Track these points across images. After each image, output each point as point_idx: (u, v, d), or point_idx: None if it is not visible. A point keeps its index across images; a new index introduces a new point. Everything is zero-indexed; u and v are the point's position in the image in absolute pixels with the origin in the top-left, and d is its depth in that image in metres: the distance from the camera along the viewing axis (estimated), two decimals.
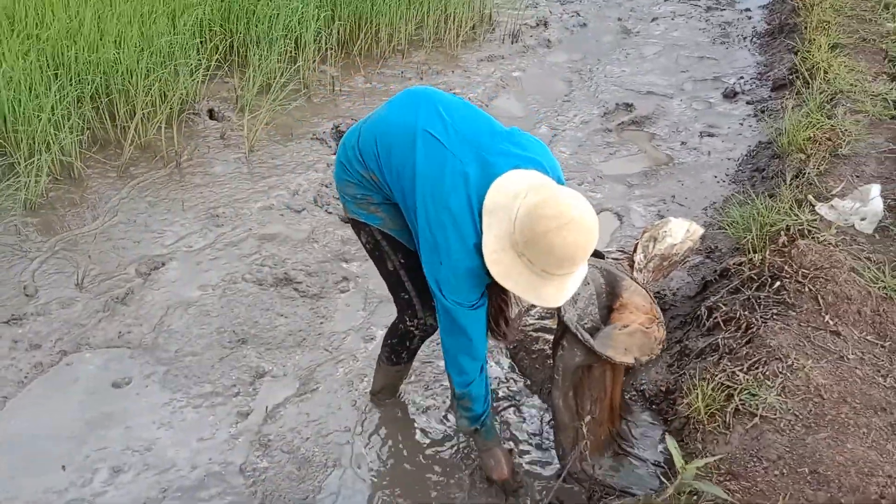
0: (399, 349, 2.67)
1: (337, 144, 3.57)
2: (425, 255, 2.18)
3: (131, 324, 3.18)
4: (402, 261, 2.46)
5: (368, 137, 2.30)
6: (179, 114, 4.44)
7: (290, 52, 5.12)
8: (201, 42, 4.77)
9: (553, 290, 2.02)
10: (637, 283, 2.69)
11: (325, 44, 5.32)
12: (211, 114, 4.70)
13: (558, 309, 2.42)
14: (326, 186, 4.11)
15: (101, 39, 4.19)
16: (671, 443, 2.23)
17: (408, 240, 2.41)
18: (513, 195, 2.02)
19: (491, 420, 2.47)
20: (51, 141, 3.81)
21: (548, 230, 1.91)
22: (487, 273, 2.07)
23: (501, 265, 2.01)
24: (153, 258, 3.54)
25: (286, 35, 5.04)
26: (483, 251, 2.03)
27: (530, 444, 2.77)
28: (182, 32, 4.55)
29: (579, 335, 2.42)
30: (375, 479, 2.63)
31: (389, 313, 2.62)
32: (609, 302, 2.64)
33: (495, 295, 2.29)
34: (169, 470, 2.61)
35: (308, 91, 5.03)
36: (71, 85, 3.99)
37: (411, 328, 2.58)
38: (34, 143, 3.77)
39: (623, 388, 2.74)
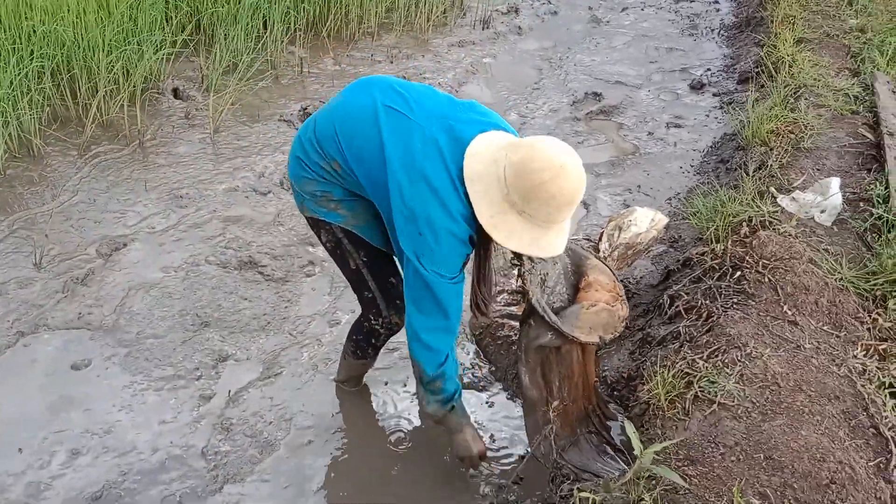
0: (364, 346, 2.66)
1: None
2: (402, 228, 2.12)
3: (91, 305, 3.13)
4: (365, 259, 2.42)
5: (325, 125, 2.26)
6: (143, 92, 4.36)
7: (258, 31, 5.04)
8: (166, 19, 4.68)
9: (554, 236, 2.07)
10: (601, 261, 2.71)
11: (294, 24, 5.25)
12: (175, 93, 4.61)
13: (526, 290, 2.45)
14: None
15: (56, 12, 4.07)
16: (629, 428, 2.26)
17: (371, 236, 2.38)
18: (491, 161, 2.03)
19: (460, 398, 2.43)
20: (9, 115, 3.71)
21: (542, 182, 1.96)
22: (469, 241, 2.09)
23: (502, 228, 2.03)
24: (114, 239, 3.48)
25: (254, 14, 4.96)
26: (479, 220, 2.03)
27: (495, 429, 2.79)
28: (146, 9, 4.45)
29: (546, 316, 2.44)
30: (339, 464, 2.63)
31: (355, 299, 2.61)
32: (576, 281, 2.66)
33: (477, 267, 2.27)
34: (129, 453, 2.58)
35: (275, 72, 4.97)
36: (31, 59, 3.89)
37: (376, 326, 2.55)
38: None
39: (597, 366, 2.75)
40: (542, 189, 1.97)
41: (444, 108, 2.18)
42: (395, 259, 2.44)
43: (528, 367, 2.57)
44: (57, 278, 3.22)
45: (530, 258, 2.45)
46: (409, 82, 2.30)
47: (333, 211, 2.35)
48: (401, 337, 2.68)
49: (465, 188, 2.06)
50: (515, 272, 2.65)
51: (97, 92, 4.10)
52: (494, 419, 2.83)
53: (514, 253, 2.32)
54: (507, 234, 2.03)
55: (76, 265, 3.31)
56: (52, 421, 2.65)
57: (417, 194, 2.07)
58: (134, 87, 4.24)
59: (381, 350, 2.72)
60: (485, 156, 2.05)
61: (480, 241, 2.18)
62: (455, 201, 2.07)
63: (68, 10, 4.09)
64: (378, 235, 2.40)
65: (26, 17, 3.97)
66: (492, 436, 2.76)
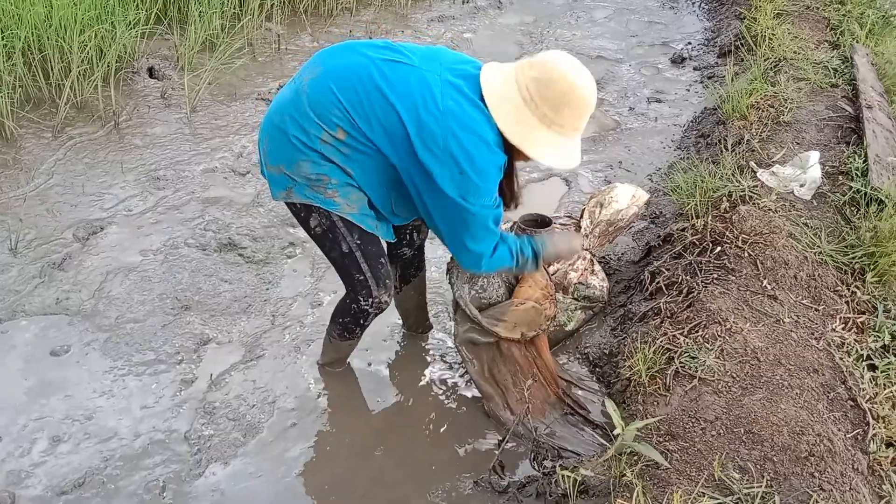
0: (352, 327, 2.65)
1: None
2: (439, 172, 2.10)
3: (69, 290, 3.09)
4: (359, 241, 2.39)
5: (320, 93, 2.18)
6: (117, 72, 4.28)
7: (234, 8, 4.96)
8: None
9: (576, 148, 2.20)
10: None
11: (270, 0, 5.16)
12: (151, 72, 4.54)
13: (452, 287, 2.62)
14: None
15: None
16: (610, 405, 2.28)
17: (363, 221, 2.35)
18: (508, 86, 2.11)
19: (536, 243, 2.47)
20: None
21: (572, 87, 2.08)
22: (503, 167, 2.18)
23: (537, 145, 2.13)
24: (91, 222, 3.44)
25: None
26: (512, 140, 2.11)
27: (476, 414, 2.80)
28: None
29: (468, 311, 2.59)
30: (323, 446, 2.63)
31: (337, 279, 2.59)
32: (513, 277, 2.72)
33: (508, 191, 2.32)
34: (111, 439, 2.57)
35: (252, 49, 4.90)
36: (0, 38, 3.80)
37: (365, 307, 2.53)
38: None
39: (550, 354, 2.81)
40: (572, 95, 2.08)
41: (433, 52, 2.23)
42: (380, 236, 2.44)
43: (470, 364, 2.70)
44: (34, 263, 3.18)
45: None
46: (385, 40, 2.31)
47: (330, 199, 2.29)
48: (383, 317, 2.69)
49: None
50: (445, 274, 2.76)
51: (70, 72, 4.02)
52: (477, 400, 2.84)
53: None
54: (541, 151, 2.13)
55: (53, 250, 3.27)
56: (31, 408, 2.63)
57: (451, 135, 2.08)
58: (108, 66, 4.15)
59: (365, 333, 2.72)
60: (499, 83, 2.12)
61: (509, 169, 2.25)
62: (489, 131, 2.12)
63: None
64: (370, 220, 2.37)
65: None
66: (478, 421, 2.76)
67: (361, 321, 2.62)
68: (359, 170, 2.25)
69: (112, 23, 4.25)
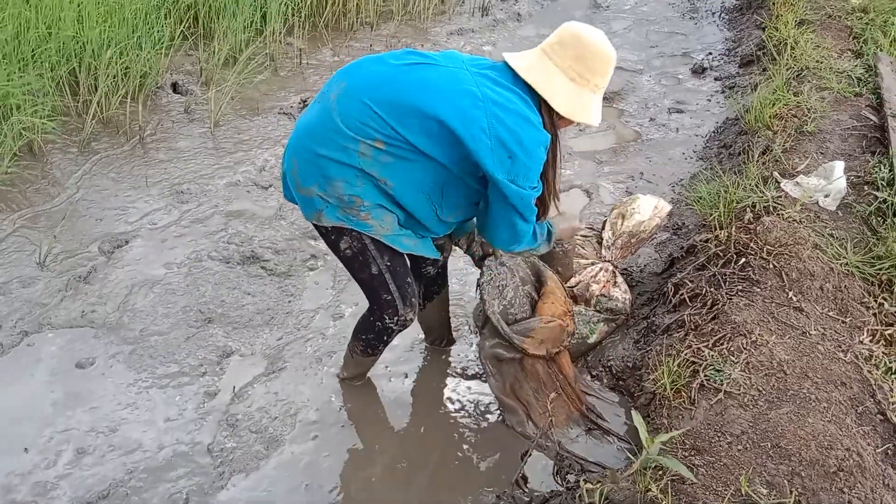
0: (376, 343, 2.65)
1: None
2: (488, 160, 2.14)
3: (95, 303, 3.13)
4: (389, 263, 2.39)
5: (352, 107, 2.18)
6: (143, 88, 4.33)
7: (256, 23, 5.01)
8: (165, 15, 4.65)
9: (600, 105, 2.33)
10: (557, 273, 2.89)
11: (292, 16, 5.22)
12: (175, 87, 4.60)
13: (483, 302, 2.64)
14: None
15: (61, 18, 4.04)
16: (637, 418, 2.25)
17: (397, 242, 2.35)
18: (541, 67, 2.22)
19: (548, 225, 2.60)
20: (14, 117, 3.70)
21: (602, 49, 2.23)
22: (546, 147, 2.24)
23: (591, 112, 2.27)
24: (117, 236, 3.48)
25: (252, 6, 4.93)
26: (563, 112, 2.23)
27: (499, 426, 2.79)
28: (146, 4, 4.42)
29: (500, 327, 2.61)
30: (345, 459, 2.63)
31: (358, 291, 2.60)
32: (535, 290, 2.77)
33: (550, 181, 2.37)
34: (135, 451, 2.58)
35: (274, 64, 4.94)
36: (33, 61, 3.85)
37: (390, 325, 2.53)
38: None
39: (573, 370, 2.82)
40: (604, 56, 2.23)
41: (451, 53, 2.32)
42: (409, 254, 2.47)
43: (493, 379, 2.69)
44: (60, 277, 3.22)
45: (500, 262, 2.67)
46: (405, 49, 2.44)
47: (363, 221, 2.28)
48: (405, 331, 2.69)
49: (527, 95, 2.21)
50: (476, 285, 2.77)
51: (97, 88, 4.08)
52: (499, 413, 2.83)
53: (479, 259, 2.65)
54: (594, 113, 2.28)
55: (79, 263, 3.31)
56: (57, 420, 2.66)
57: (496, 120, 2.13)
58: (134, 82, 4.21)
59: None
60: (536, 67, 2.22)
61: (552, 154, 2.30)
62: (530, 113, 2.19)
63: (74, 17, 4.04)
64: (406, 239, 2.37)
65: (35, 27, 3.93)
66: (501, 434, 2.75)
67: (385, 338, 2.62)
68: (399, 179, 2.23)
69: (139, 40, 4.31)
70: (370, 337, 2.63)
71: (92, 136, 4.03)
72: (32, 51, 3.90)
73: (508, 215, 2.28)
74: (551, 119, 2.26)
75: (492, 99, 2.14)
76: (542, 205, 2.40)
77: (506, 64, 2.26)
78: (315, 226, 2.39)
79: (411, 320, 2.55)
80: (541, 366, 2.67)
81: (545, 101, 2.23)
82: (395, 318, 2.51)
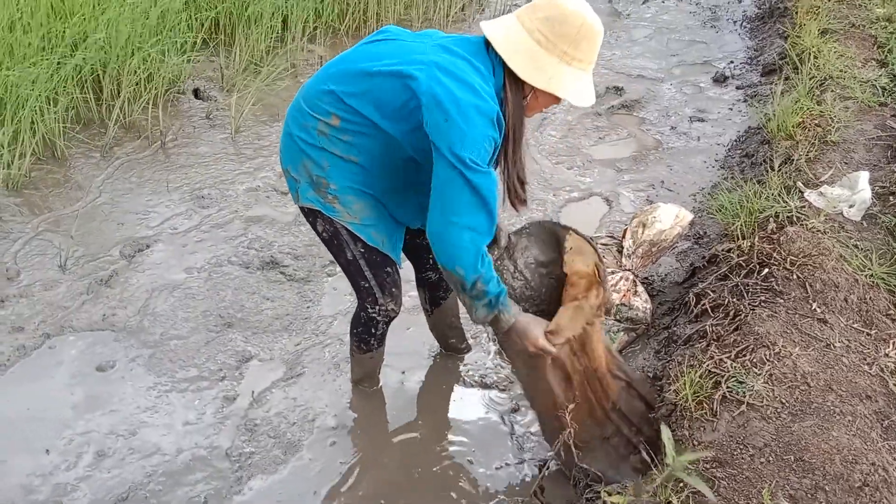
0: (366, 337, 2.66)
1: None
2: (429, 121, 2.06)
3: (115, 306, 3.15)
4: (362, 250, 2.40)
5: (314, 87, 2.26)
6: (165, 93, 4.37)
7: (278, 30, 5.05)
8: (188, 23, 4.69)
9: (592, 84, 2.20)
10: (582, 238, 2.47)
11: (313, 23, 5.25)
12: (196, 93, 4.63)
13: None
14: None
15: (89, 20, 4.08)
16: (665, 433, 2.20)
17: (366, 235, 2.36)
18: (508, 31, 2.12)
19: (506, 297, 2.26)
20: (37, 121, 3.74)
21: (584, 21, 2.10)
22: (496, 124, 2.11)
23: (564, 84, 2.12)
24: (138, 240, 3.50)
25: (273, 13, 4.96)
26: (538, 85, 2.10)
27: (516, 435, 2.77)
28: (172, 9, 4.46)
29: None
30: (363, 465, 2.62)
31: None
32: (551, 259, 2.52)
33: (509, 154, 2.22)
34: (154, 454, 2.59)
35: (295, 71, 4.97)
36: (58, 64, 3.90)
37: (373, 315, 2.55)
38: (21, 121, 3.69)
39: (606, 357, 2.55)
40: (587, 27, 2.10)
41: (429, 32, 2.28)
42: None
43: (520, 374, 2.53)
44: (81, 280, 3.25)
45: (500, 256, 2.48)
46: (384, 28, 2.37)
47: (330, 204, 2.32)
48: (421, 337, 2.68)
49: (486, 67, 2.12)
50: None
51: (120, 93, 4.12)
52: (517, 421, 2.81)
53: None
54: (570, 86, 2.13)
55: (100, 267, 3.33)
56: (77, 422, 2.67)
57: (436, 81, 2.06)
58: (156, 88, 4.25)
59: (401, 352, 2.71)
60: (504, 32, 2.12)
61: (510, 127, 2.17)
62: (479, 79, 2.09)
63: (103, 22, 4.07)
64: (374, 231, 2.37)
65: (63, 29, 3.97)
66: (518, 443, 2.73)
67: (372, 330, 2.62)
68: (364, 155, 2.25)
69: (163, 47, 4.35)
70: (359, 330, 2.64)
71: (114, 141, 4.07)
72: (60, 56, 3.94)
73: (442, 195, 2.11)
74: (520, 92, 2.16)
75: (436, 63, 2.08)
76: (511, 191, 2.26)
77: (481, 39, 2.20)
78: (299, 209, 2.43)
79: (394, 311, 2.55)
80: (555, 375, 2.43)
81: (511, 72, 2.13)
82: (377, 308, 2.52)
